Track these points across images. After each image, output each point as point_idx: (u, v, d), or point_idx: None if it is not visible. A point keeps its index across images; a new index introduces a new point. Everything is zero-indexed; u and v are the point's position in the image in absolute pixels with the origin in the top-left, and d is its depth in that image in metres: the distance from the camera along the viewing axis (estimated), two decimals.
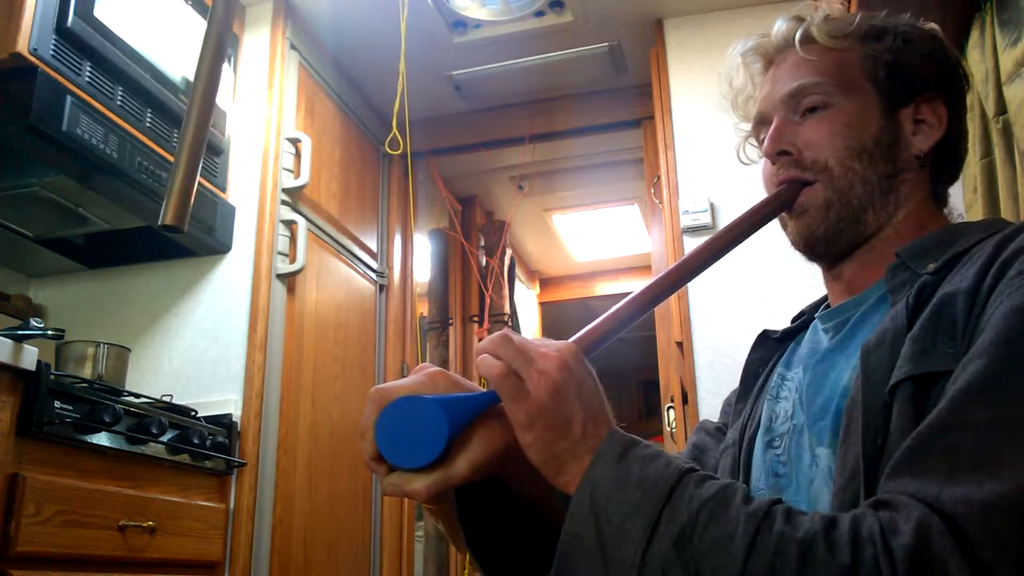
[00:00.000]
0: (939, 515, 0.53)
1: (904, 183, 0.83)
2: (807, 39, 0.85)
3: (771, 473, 0.80)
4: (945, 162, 0.86)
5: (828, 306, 0.89)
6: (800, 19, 0.87)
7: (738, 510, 0.55)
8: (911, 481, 0.56)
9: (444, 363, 3.61)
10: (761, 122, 0.89)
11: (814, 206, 0.82)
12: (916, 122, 0.84)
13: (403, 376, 3.25)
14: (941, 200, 0.86)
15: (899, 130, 0.83)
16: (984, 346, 0.60)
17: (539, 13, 2.61)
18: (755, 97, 0.91)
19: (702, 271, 0.78)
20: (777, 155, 0.84)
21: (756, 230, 0.82)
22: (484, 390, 0.66)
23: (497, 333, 0.64)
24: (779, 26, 0.89)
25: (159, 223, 0.90)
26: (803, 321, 0.93)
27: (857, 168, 0.81)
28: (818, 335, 0.86)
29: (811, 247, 0.84)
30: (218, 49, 0.97)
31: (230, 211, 2.31)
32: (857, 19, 0.85)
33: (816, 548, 0.53)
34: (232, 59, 2.43)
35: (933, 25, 0.88)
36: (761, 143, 0.89)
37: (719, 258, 0.79)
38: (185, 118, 0.94)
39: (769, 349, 0.94)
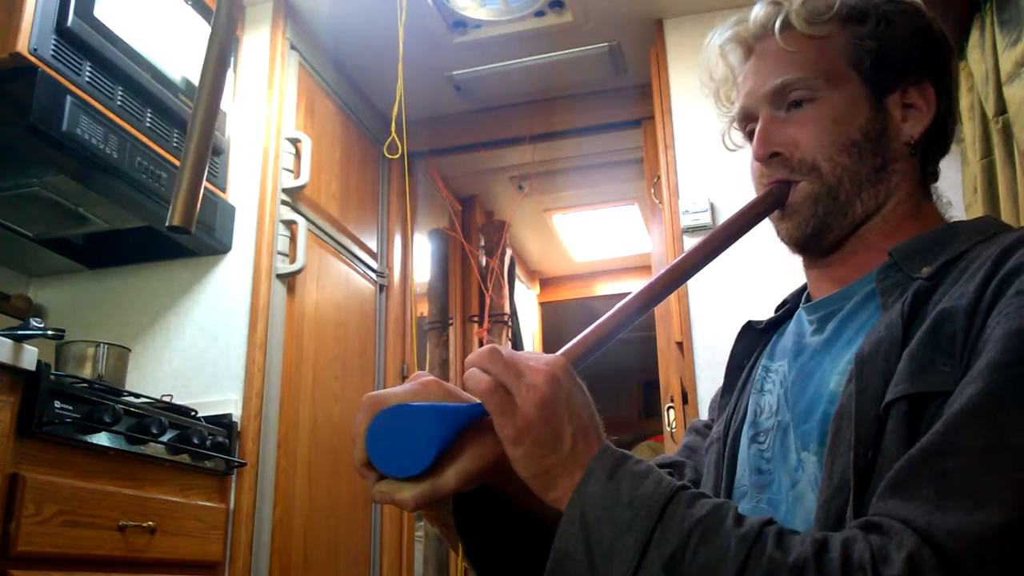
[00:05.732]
0: (930, 546, 0.53)
1: (894, 173, 0.81)
2: (786, 26, 0.82)
3: (754, 469, 0.79)
4: (936, 142, 0.84)
5: (809, 296, 0.87)
6: (778, 3, 0.84)
7: (729, 532, 0.55)
8: (902, 505, 0.56)
9: (444, 363, 3.62)
10: (746, 117, 0.87)
11: (803, 204, 0.81)
12: (905, 107, 0.82)
13: (403, 377, 3.22)
14: (931, 179, 0.85)
15: (887, 118, 0.81)
16: (980, 370, 0.59)
17: (539, 13, 2.61)
18: (737, 85, 0.89)
19: (694, 274, 0.77)
20: (768, 158, 0.83)
21: (748, 230, 0.81)
22: (478, 401, 0.65)
23: (486, 347, 0.63)
24: (756, 12, 0.86)
25: (167, 224, 0.90)
26: (787, 310, 0.92)
27: (846, 162, 0.80)
28: (803, 327, 0.84)
29: (801, 245, 0.83)
30: (223, 49, 0.97)
31: (230, 211, 2.31)
32: (837, 1, 0.82)
33: (807, 574, 0.53)
34: (232, 59, 2.43)
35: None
36: (748, 136, 0.88)
37: (711, 260, 0.78)
38: (191, 119, 0.94)
39: (753, 340, 0.93)
